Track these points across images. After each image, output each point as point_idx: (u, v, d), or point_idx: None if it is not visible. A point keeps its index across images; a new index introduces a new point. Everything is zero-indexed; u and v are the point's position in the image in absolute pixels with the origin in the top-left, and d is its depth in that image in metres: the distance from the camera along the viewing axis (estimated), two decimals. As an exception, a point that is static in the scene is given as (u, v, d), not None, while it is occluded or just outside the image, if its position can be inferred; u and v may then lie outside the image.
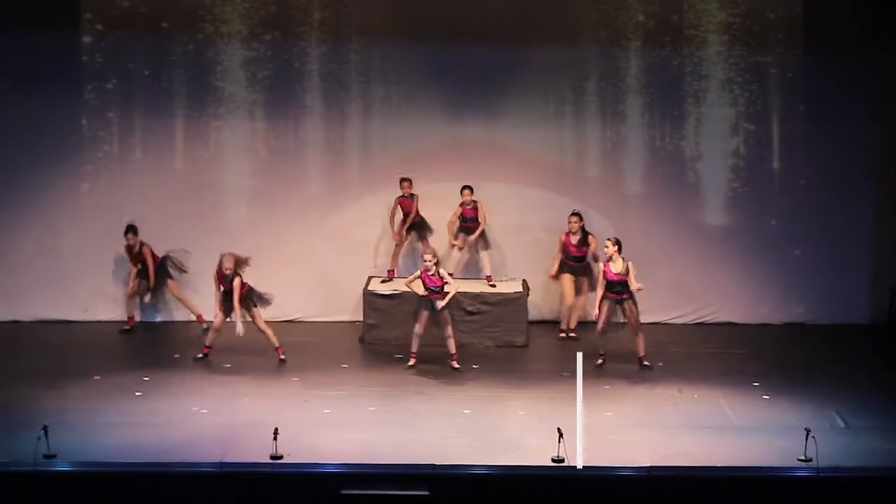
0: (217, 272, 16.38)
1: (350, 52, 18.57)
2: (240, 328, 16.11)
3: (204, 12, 18.42)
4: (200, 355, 16.49)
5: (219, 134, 18.67)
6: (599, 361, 16.27)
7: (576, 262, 17.65)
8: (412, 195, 17.98)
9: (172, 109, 18.59)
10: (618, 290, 16.25)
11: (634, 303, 16.30)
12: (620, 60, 18.59)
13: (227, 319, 16.33)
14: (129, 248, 17.87)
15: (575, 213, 17.66)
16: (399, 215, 18.08)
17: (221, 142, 18.70)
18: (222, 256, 16.32)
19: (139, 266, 17.87)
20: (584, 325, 17.44)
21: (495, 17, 18.40)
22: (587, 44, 18.56)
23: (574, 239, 17.61)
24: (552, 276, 17.72)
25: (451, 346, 16.24)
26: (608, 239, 16.42)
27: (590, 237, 17.63)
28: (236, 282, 16.19)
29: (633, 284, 16.18)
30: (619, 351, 16.47)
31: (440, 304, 15.97)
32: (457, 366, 16.16)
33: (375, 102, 18.68)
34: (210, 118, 18.61)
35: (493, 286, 17.89)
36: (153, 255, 17.88)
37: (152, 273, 17.84)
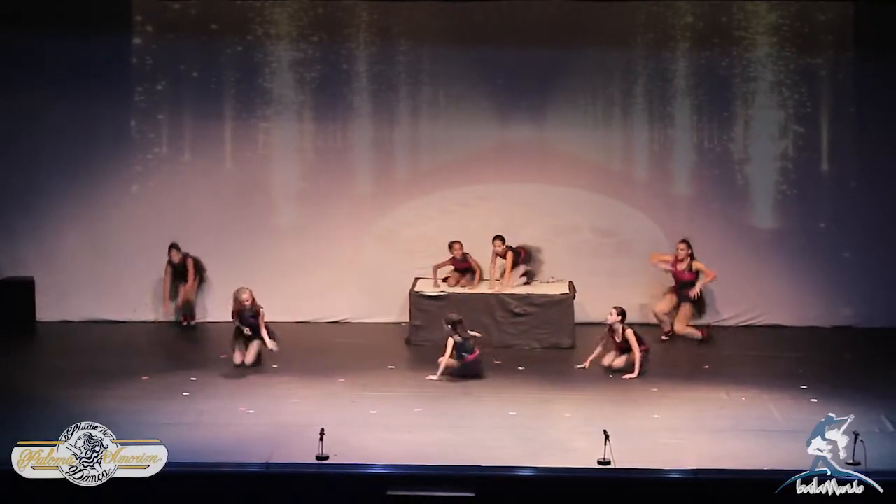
0: (236, 311, 16.04)
1: (398, 54, 18.58)
2: (273, 344, 15.97)
3: (253, 14, 18.49)
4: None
5: (267, 135, 18.74)
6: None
7: (686, 287, 17.64)
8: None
9: (221, 111, 18.67)
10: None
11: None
12: (668, 62, 18.52)
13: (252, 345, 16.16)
14: (172, 263, 18.23)
15: (683, 241, 17.68)
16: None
17: (270, 143, 18.76)
18: (239, 292, 16.02)
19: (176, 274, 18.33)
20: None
21: (543, 19, 18.38)
22: (636, 45, 18.49)
23: (682, 266, 17.58)
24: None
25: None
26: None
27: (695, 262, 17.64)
28: (262, 313, 16.02)
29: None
30: (666, 355, 16.44)
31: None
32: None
33: (423, 104, 18.69)
34: (259, 120, 18.68)
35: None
36: (194, 264, 18.30)
37: (192, 281, 18.30)
